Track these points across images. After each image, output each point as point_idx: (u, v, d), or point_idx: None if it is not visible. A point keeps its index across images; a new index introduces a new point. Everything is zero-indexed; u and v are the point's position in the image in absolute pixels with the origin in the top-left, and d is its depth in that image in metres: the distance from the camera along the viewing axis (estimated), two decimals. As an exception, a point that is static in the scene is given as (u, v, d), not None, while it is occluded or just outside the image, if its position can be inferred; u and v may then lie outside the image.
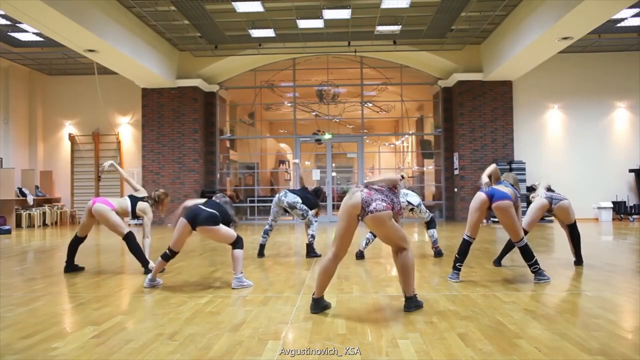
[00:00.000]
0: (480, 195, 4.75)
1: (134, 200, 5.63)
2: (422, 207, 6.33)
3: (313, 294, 3.66)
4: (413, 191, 6.68)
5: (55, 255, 7.31)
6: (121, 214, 5.54)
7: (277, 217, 6.66)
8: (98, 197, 5.44)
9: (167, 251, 4.54)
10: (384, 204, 3.48)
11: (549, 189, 5.81)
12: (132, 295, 4.36)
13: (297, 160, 7.57)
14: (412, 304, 3.60)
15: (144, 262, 5.36)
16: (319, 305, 3.62)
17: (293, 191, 6.64)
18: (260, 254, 6.67)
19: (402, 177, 6.15)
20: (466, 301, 3.91)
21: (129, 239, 5.34)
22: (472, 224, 4.76)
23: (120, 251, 7.38)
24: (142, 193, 5.74)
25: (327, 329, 3.16)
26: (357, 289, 4.42)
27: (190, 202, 4.69)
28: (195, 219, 4.45)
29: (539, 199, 5.60)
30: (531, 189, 6.06)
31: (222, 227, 4.51)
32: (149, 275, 4.67)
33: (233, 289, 4.48)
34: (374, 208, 3.46)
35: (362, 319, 3.40)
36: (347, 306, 3.76)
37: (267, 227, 6.72)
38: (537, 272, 4.63)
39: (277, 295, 4.24)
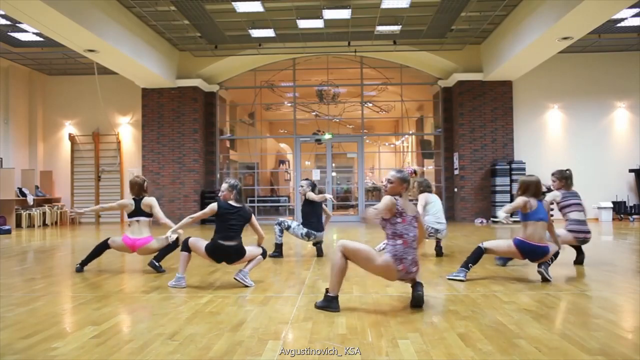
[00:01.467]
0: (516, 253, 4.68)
1: (140, 212, 5.52)
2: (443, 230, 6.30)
3: (328, 291, 3.64)
4: (426, 189, 6.31)
5: (55, 255, 7.31)
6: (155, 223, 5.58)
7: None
8: (127, 236, 5.40)
9: (183, 246, 4.58)
10: (415, 269, 3.65)
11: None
12: (132, 295, 4.36)
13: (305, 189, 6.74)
14: (422, 288, 3.69)
15: (160, 259, 5.40)
16: (334, 305, 3.61)
17: (312, 221, 6.47)
18: (280, 254, 6.54)
19: (415, 171, 5.96)
20: (466, 301, 3.91)
21: (176, 243, 5.37)
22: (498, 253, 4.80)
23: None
24: (128, 201, 5.59)
25: (327, 329, 3.16)
26: (357, 289, 4.42)
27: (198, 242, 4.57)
28: (226, 260, 4.56)
29: (565, 235, 5.44)
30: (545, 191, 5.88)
31: (247, 252, 4.61)
32: (178, 273, 4.58)
33: (234, 278, 4.55)
34: (413, 277, 3.68)
35: (362, 319, 3.39)
36: (347, 306, 3.75)
37: (279, 227, 6.53)
38: (547, 264, 4.64)
39: (277, 295, 4.23)
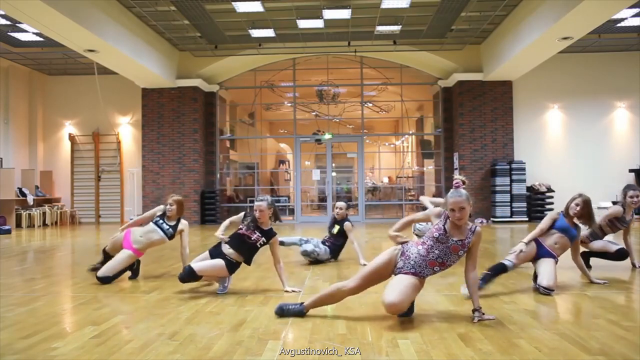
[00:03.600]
0: None
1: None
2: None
3: (302, 304, 3.48)
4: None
5: (55, 255, 7.31)
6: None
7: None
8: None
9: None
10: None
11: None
12: (132, 295, 4.36)
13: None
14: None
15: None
16: (290, 314, 3.47)
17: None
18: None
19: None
20: (466, 301, 3.91)
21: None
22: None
23: (120, 251, 7.37)
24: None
25: (327, 329, 3.16)
26: (357, 289, 4.41)
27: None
28: None
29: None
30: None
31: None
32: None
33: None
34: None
35: (362, 319, 3.40)
36: (347, 306, 3.75)
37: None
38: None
39: (277, 295, 4.23)
